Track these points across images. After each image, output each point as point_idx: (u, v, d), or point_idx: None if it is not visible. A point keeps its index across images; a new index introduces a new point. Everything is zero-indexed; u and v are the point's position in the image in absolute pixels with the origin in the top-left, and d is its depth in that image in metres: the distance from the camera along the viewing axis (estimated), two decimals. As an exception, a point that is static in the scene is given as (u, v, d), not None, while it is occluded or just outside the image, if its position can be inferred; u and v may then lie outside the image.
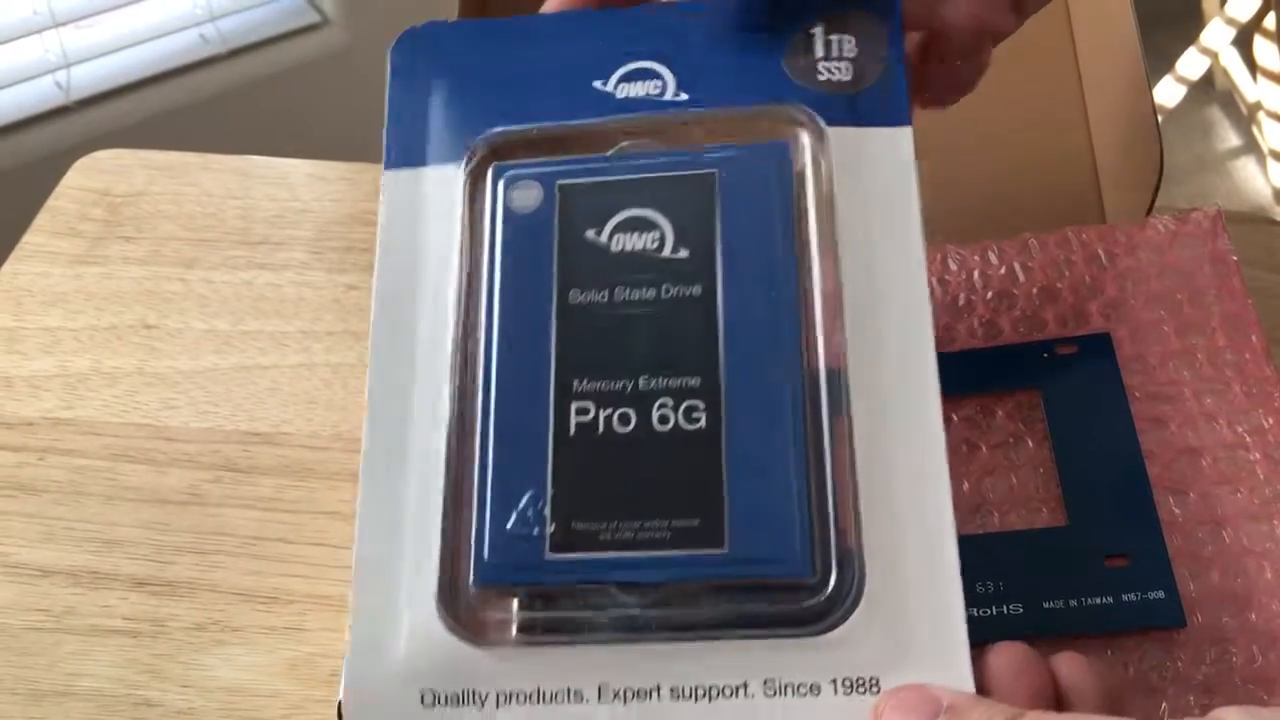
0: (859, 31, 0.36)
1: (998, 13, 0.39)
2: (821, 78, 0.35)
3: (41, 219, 0.60)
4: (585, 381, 0.33)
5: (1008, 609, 0.39)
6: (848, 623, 0.30)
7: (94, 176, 0.62)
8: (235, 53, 1.49)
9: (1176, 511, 0.40)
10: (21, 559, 0.47)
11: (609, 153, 0.36)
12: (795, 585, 0.30)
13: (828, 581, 0.30)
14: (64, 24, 1.39)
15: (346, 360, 0.54)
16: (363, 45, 1.51)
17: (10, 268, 0.58)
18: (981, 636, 0.38)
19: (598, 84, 0.36)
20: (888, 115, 0.35)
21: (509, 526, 0.32)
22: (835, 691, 0.29)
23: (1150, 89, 0.49)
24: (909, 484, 0.31)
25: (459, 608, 0.32)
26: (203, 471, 0.49)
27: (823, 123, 0.35)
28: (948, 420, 0.43)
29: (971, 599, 0.39)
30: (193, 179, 0.62)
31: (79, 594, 0.46)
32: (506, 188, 0.35)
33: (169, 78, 1.47)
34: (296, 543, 0.47)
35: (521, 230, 0.35)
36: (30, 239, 0.59)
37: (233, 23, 1.49)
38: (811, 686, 0.30)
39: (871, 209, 0.34)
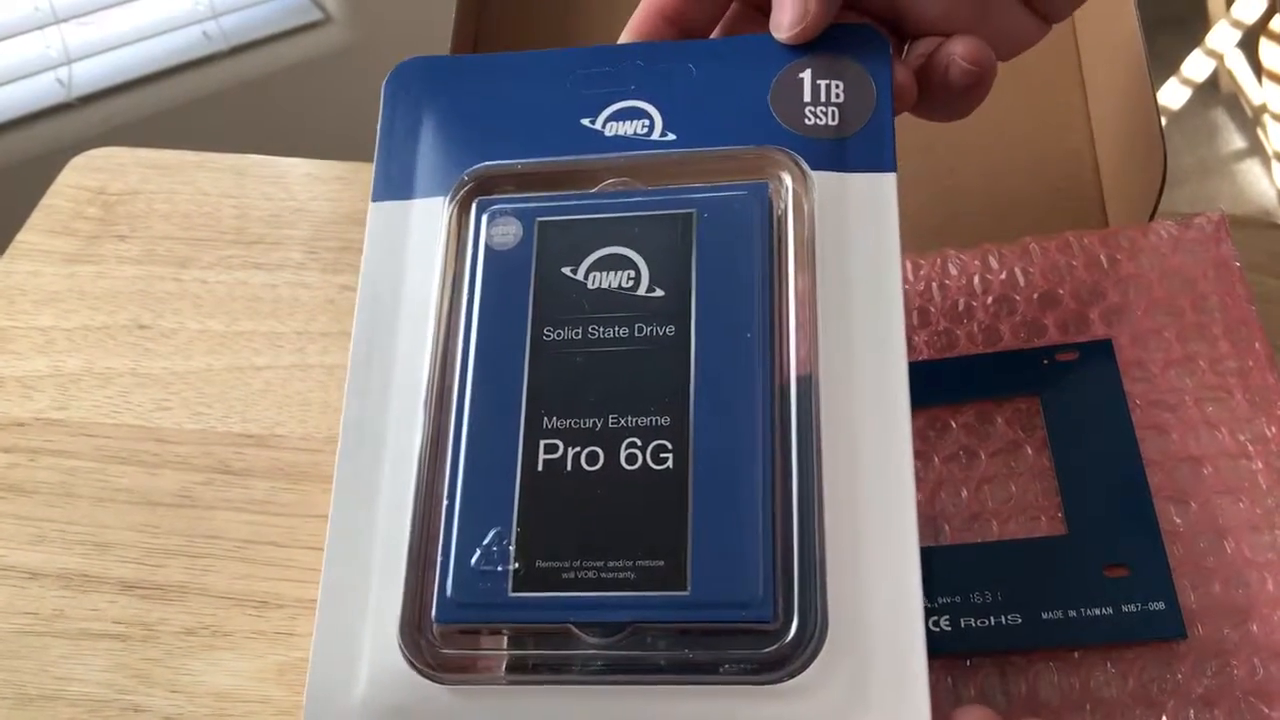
0: (848, 77, 0.36)
1: (1024, 22, 0.39)
2: (808, 122, 0.36)
3: (36, 217, 0.60)
4: (555, 419, 0.33)
5: (1005, 619, 0.38)
6: (809, 670, 0.30)
7: (89, 175, 0.62)
8: (237, 50, 1.49)
9: (1178, 521, 0.39)
10: (11, 561, 0.47)
11: (592, 190, 0.36)
12: (757, 630, 0.30)
13: (789, 628, 0.30)
14: (65, 20, 1.39)
15: (341, 362, 0.53)
16: (365, 43, 1.51)
17: (3, 266, 0.57)
18: (980, 647, 0.38)
19: (586, 121, 0.37)
20: (873, 161, 0.35)
21: (473, 563, 0.32)
22: None
23: (1154, 92, 0.48)
24: (877, 534, 0.31)
25: (422, 643, 0.32)
26: (195, 474, 0.49)
27: (806, 166, 0.35)
28: (946, 427, 0.43)
29: (969, 609, 0.39)
30: (188, 177, 0.61)
31: (68, 597, 0.45)
32: (488, 223, 0.36)
33: (171, 75, 1.47)
34: (289, 546, 0.47)
35: (500, 266, 0.35)
36: (24, 237, 0.59)
37: (235, 20, 1.49)
38: None
39: (852, 254, 0.34)
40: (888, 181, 0.35)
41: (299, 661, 0.43)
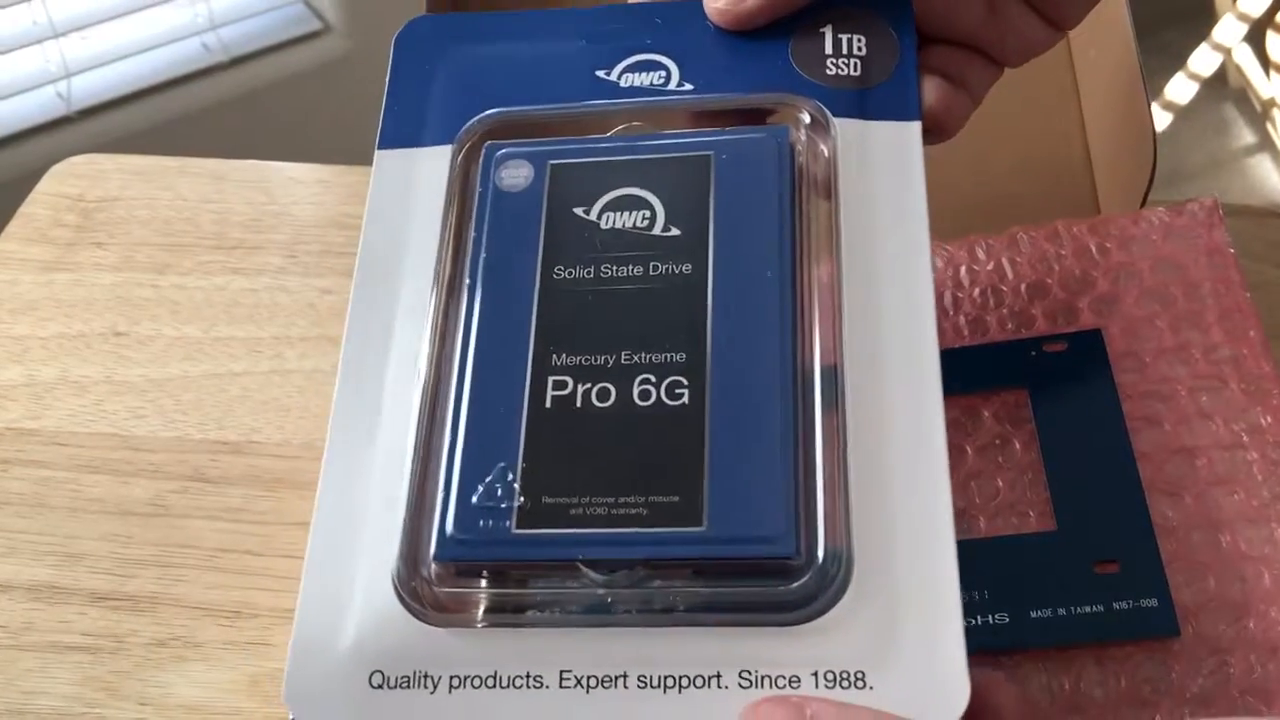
0: (871, 31, 0.35)
1: (1033, 27, 0.38)
2: (830, 73, 0.35)
3: (14, 226, 0.59)
4: (565, 355, 0.31)
5: (994, 618, 0.37)
6: (832, 611, 0.28)
7: (68, 182, 0.61)
8: (237, 61, 1.49)
9: (1170, 515, 0.38)
10: (-19, 573, 0.46)
11: (607, 135, 0.36)
12: (778, 567, 0.29)
13: (812, 564, 0.28)
14: (65, 34, 1.39)
15: (320, 366, 0.52)
16: (364, 52, 1.51)
17: (-20, 275, 0.57)
18: (968, 647, 0.37)
19: (601, 73, 0.36)
20: (897, 109, 0.34)
21: (475, 499, 0.30)
22: (816, 685, 0.27)
23: (1144, 79, 0.47)
24: (905, 474, 0.29)
25: (418, 583, 0.30)
26: (169, 482, 0.48)
27: (829, 114, 0.34)
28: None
29: (955, 608, 0.37)
30: (168, 183, 0.60)
31: (38, 609, 0.44)
32: (497, 166, 0.35)
33: (170, 87, 1.47)
34: (264, 555, 0.46)
35: (510, 207, 0.34)
36: (1, 246, 0.58)
37: (234, 31, 1.49)
38: (791, 679, 0.28)
39: (875, 200, 0.33)
40: (912, 129, 0.34)
41: (272, 672, 0.42)
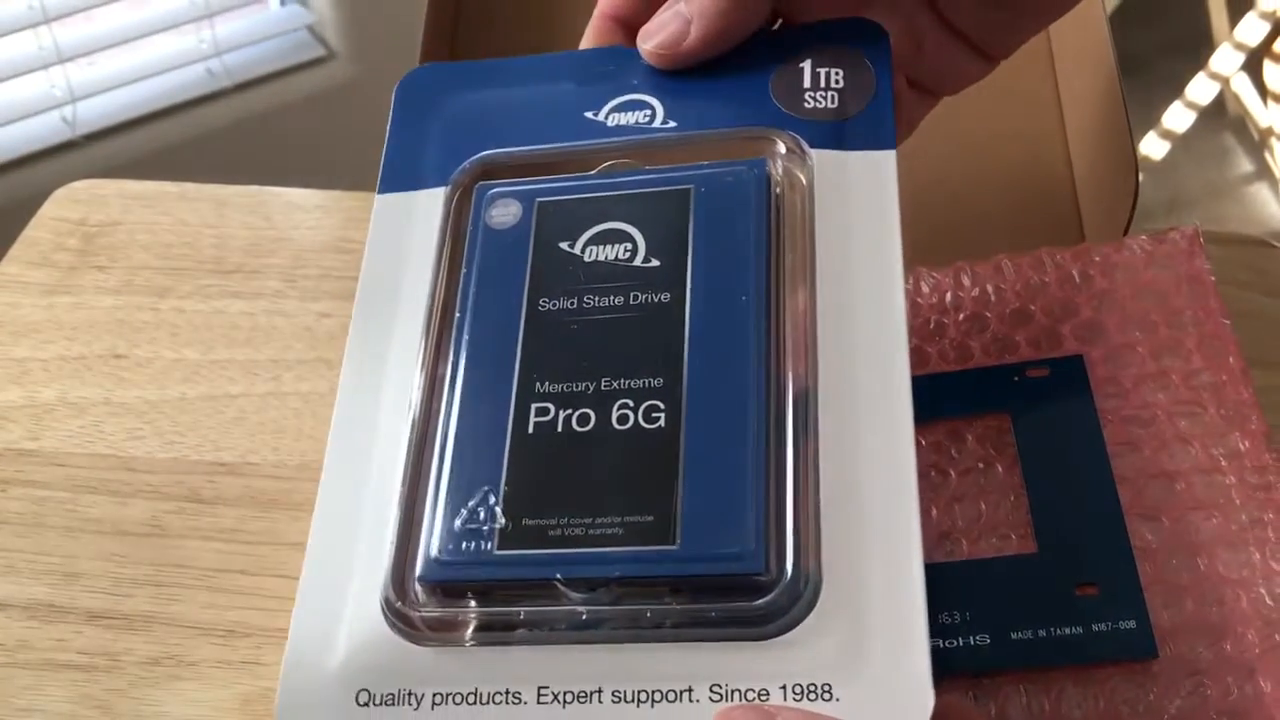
0: (848, 65, 0.36)
1: (961, 60, 0.39)
2: (808, 105, 0.36)
3: (16, 250, 0.60)
4: (547, 383, 0.33)
5: (974, 640, 0.38)
6: (801, 625, 0.29)
7: (70, 207, 0.62)
8: (241, 86, 1.50)
9: (1149, 538, 0.39)
10: (-21, 592, 0.46)
11: (592, 172, 0.37)
12: (747, 583, 0.30)
13: (781, 580, 0.29)
14: (70, 59, 1.40)
15: (317, 389, 0.53)
16: (368, 78, 1.52)
17: (-18, 298, 0.57)
18: (948, 669, 0.37)
19: (589, 114, 0.38)
20: (872, 139, 0.35)
21: (459, 522, 0.31)
22: (785, 697, 0.28)
23: (1125, 105, 0.48)
24: (873, 492, 0.30)
25: (405, 604, 0.31)
26: (165, 502, 0.49)
27: (806, 145, 0.35)
28: (916, 445, 0.42)
29: (937, 629, 0.38)
30: (168, 208, 0.61)
31: (34, 627, 0.45)
32: (488, 205, 0.36)
33: (175, 112, 1.48)
34: (257, 575, 0.46)
35: (498, 244, 0.36)
36: (4, 269, 0.59)
37: (239, 57, 1.50)
38: (760, 692, 0.29)
39: (851, 229, 0.34)
40: (887, 158, 0.35)
41: (264, 691, 0.43)
